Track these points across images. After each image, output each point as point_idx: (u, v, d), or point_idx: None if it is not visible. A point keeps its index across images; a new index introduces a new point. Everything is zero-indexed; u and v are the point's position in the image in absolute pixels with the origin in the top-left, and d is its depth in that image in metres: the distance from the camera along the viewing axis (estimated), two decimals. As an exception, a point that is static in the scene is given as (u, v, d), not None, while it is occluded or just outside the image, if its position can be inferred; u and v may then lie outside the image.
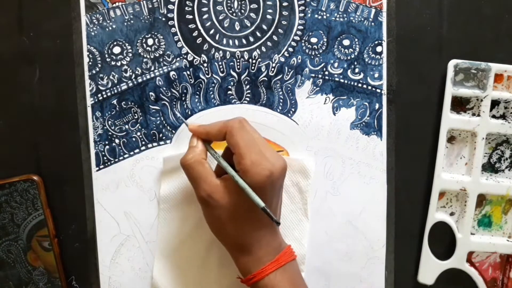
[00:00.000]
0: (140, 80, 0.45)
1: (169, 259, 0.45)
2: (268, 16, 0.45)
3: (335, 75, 0.45)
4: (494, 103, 0.45)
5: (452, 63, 0.44)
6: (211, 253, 0.45)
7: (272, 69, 0.45)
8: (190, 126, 0.40)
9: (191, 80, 0.45)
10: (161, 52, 0.45)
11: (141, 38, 0.45)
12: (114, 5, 0.44)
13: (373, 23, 0.45)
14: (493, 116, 0.46)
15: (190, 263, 0.45)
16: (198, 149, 0.39)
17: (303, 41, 0.45)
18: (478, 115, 0.45)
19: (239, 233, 0.38)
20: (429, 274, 0.46)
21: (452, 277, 0.46)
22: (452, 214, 0.46)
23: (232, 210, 0.37)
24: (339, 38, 0.45)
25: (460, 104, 0.46)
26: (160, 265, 0.45)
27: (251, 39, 0.45)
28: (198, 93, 0.45)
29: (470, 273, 0.46)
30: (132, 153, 0.45)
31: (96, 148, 0.45)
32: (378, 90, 0.46)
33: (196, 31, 0.45)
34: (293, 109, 0.45)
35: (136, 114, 0.45)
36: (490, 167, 0.47)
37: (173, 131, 0.45)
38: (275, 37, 0.45)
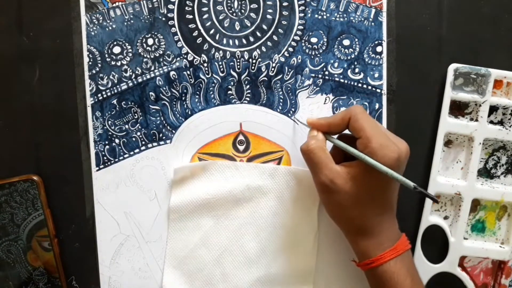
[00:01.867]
0: (140, 80, 0.45)
1: (180, 269, 0.45)
2: (268, 16, 0.45)
3: (335, 75, 0.45)
4: (492, 109, 0.45)
5: (452, 67, 0.44)
6: (221, 262, 0.45)
7: (272, 69, 0.45)
8: (309, 120, 0.41)
9: (191, 80, 0.45)
10: (161, 52, 0.45)
11: (141, 38, 0.45)
12: (114, 5, 0.44)
13: (373, 23, 0.45)
14: (491, 122, 0.46)
15: (200, 273, 0.45)
16: (319, 137, 0.40)
17: (303, 41, 0.45)
18: (476, 120, 0.45)
19: (362, 217, 0.38)
20: (420, 277, 0.46)
21: (443, 281, 0.46)
22: (446, 217, 0.46)
23: (355, 194, 0.37)
24: (339, 38, 0.45)
25: (458, 108, 0.46)
26: (170, 275, 0.45)
27: (251, 39, 0.45)
28: (198, 93, 0.45)
29: (462, 278, 0.46)
30: (132, 153, 0.45)
31: (96, 148, 0.45)
32: (378, 90, 0.46)
33: (196, 31, 0.45)
34: (293, 109, 0.45)
35: (136, 114, 0.45)
36: (485, 173, 0.47)
37: (173, 131, 0.45)
38: (275, 37, 0.45)
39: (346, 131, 0.41)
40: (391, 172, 0.36)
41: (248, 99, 0.45)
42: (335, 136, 0.41)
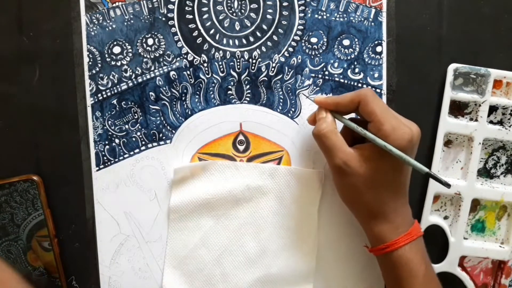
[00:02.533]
0: (140, 80, 0.45)
1: (180, 269, 0.45)
2: (268, 16, 0.45)
3: (335, 75, 0.45)
4: (492, 109, 0.45)
5: (451, 67, 0.44)
6: (221, 262, 0.45)
7: (272, 69, 0.45)
8: (317, 98, 0.40)
9: (191, 80, 0.45)
10: (161, 52, 0.45)
11: (141, 38, 0.45)
12: (114, 5, 0.44)
13: (373, 23, 0.45)
14: (491, 122, 0.46)
15: (200, 273, 0.45)
16: (329, 119, 0.39)
17: (303, 41, 0.45)
18: (476, 120, 0.45)
19: (377, 201, 0.38)
20: None
21: (443, 281, 0.46)
22: (446, 217, 0.47)
23: (370, 177, 0.37)
24: (339, 38, 0.45)
25: (458, 108, 0.46)
26: (170, 275, 0.45)
27: (251, 39, 0.45)
28: (198, 93, 0.45)
29: (462, 278, 0.46)
30: (132, 153, 0.45)
31: (96, 148, 0.45)
32: (378, 90, 0.46)
33: (196, 31, 0.45)
34: (293, 109, 0.45)
35: (136, 114, 0.45)
36: (485, 173, 0.47)
37: (173, 131, 0.45)
38: (275, 37, 0.45)
39: (352, 115, 0.41)
40: (404, 156, 0.36)
41: (248, 99, 0.45)
42: (347, 117, 0.41)
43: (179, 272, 0.45)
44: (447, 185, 0.36)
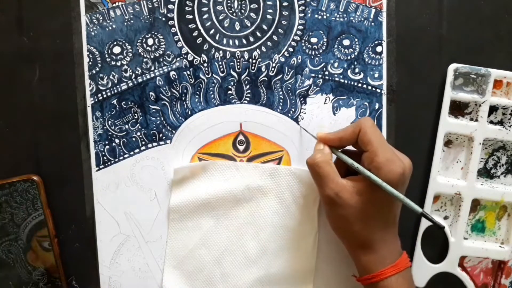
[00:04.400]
0: (140, 80, 0.45)
1: (179, 269, 0.45)
2: (268, 16, 0.45)
3: (335, 75, 0.45)
4: (492, 109, 0.45)
5: (452, 67, 0.44)
6: (221, 263, 0.45)
7: (272, 69, 0.45)
8: (320, 135, 0.41)
9: (191, 80, 0.45)
10: (161, 52, 0.45)
11: (141, 38, 0.45)
12: (114, 5, 0.44)
13: (373, 23, 0.45)
14: (491, 122, 0.46)
15: (200, 273, 0.45)
16: (325, 151, 0.40)
17: (303, 41, 0.45)
18: (476, 120, 0.45)
19: (366, 232, 0.38)
20: (420, 277, 0.46)
21: (443, 281, 0.46)
22: (446, 218, 0.46)
23: (360, 209, 0.37)
24: (339, 38, 0.45)
25: (458, 109, 0.46)
26: (170, 275, 0.45)
27: (251, 39, 0.45)
28: (198, 93, 0.45)
29: (462, 278, 0.46)
30: (132, 153, 0.45)
31: (96, 148, 0.45)
32: (378, 90, 0.46)
33: (196, 31, 0.45)
34: (293, 109, 0.45)
35: (136, 114, 0.45)
36: (485, 173, 0.47)
37: (173, 131, 0.45)
38: (275, 37, 0.45)
39: (349, 147, 0.41)
40: (396, 194, 0.36)
41: (248, 99, 0.45)
42: (340, 150, 0.41)
43: (179, 272, 0.45)
44: (441, 228, 0.37)
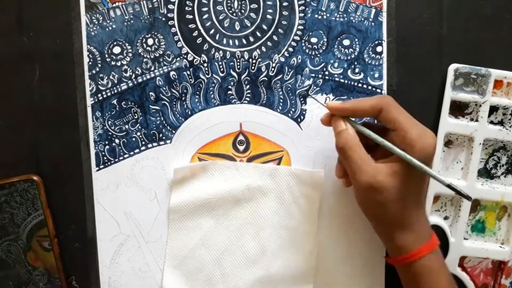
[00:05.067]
0: (140, 80, 0.45)
1: (179, 269, 0.45)
2: (268, 16, 0.45)
3: (335, 75, 0.45)
4: (493, 109, 0.45)
5: (452, 67, 0.44)
6: (221, 262, 0.45)
7: (272, 69, 0.45)
8: (331, 105, 0.38)
9: (191, 80, 0.45)
10: (161, 52, 0.45)
11: (141, 38, 0.45)
12: (114, 5, 0.44)
13: (373, 23, 0.45)
14: (491, 122, 0.46)
15: (200, 273, 0.45)
16: (351, 131, 0.38)
17: (303, 41, 0.45)
18: (476, 121, 0.45)
19: (404, 212, 0.37)
20: None
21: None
22: (446, 218, 0.46)
23: (397, 191, 0.36)
24: (339, 38, 0.45)
25: (458, 109, 0.46)
26: (170, 275, 0.45)
27: (251, 39, 0.45)
28: (198, 93, 0.45)
29: (462, 278, 0.46)
30: (132, 153, 0.45)
31: (96, 148, 0.45)
32: (378, 90, 0.46)
33: (196, 31, 0.45)
34: (293, 109, 0.45)
35: (136, 114, 0.45)
36: (486, 173, 0.47)
37: (173, 131, 0.45)
38: (275, 37, 0.45)
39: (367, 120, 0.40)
40: (427, 169, 0.35)
41: (248, 99, 0.45)
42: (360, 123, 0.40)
43: (179, 272, 0.45)
44: (469, 198, 0.36)
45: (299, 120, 0.45)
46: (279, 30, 0.45)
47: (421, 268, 0.37)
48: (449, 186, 0.36)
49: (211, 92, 0.45)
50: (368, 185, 0.36)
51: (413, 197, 0.38)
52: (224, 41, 0.45)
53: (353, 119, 0.39)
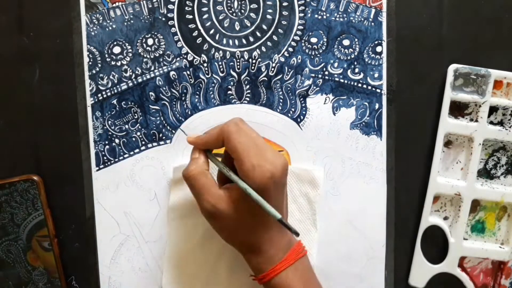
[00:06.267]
0: (140, 80, 0.45)
1: (179, 268, 0.45)
2: (268, 16, 0.45)
3: (335, 75, 0.45)
4: (492, 110, 0.45)
5: (452, 67, 0.44)
6: (221, 261, 0.45)
7: (272, 69, 0.45)
8: (189, 139, 0.39)
9: (191, 80, 0.45)
10: (161, 52, 0.45)
11: (141, 38, 0.45)
12: (114, 5, 0.44)
13: (373, 23, 0.45)
14: (491, 123, 0.46)
15: (200, 272, 0.45)
16: (200, 160, 0.38)
17: (303, 41, 0.45)
18: (476, 121, 0.45)
19: (249, 237, 0.38)
20: (420, 277, 0.46)
21: (443, 282, 0.46)
22: (446, 218, 0.46)
23: (238, 217, 0.37)
24: (339, 38, 0.45)
25: (458, 109, 0.46)
26: (169, 274, 0.45)
27: (251, 39, 0.45)
28: (198, 93, 0.45)
29: (462, 278, 0.46)
30: (132, 153, 0.45)
31: (96, 148, 0.45)
32: (378, 90, 0.46)
33: (196, 31, 0.45)
34: (293, 109, 0.45)
35: (136, 114, 0.45)
36: (485, 173, 0.47)
37: (173, 131, 0.45)
38: (275, 37, 0.45)
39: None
40: (260, 201, 0.35)
41: (248, 99, 0.45)
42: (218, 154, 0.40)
43: (178, 271, 0.45)
44: (296, 234, 0.36)
45: (299, 120, 0.45)
46: (279, 30, 0.45)
47: (277, 285, 0.37)
48: (280, 220, 0.36)
49: (211, 92, 0.45)
50: (209, 211, 0.37)
51: (258, 223, 0.38)
52: (224, 41, 0.45)
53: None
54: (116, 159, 0.45)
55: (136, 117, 0.45)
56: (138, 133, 0.45)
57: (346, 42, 0.45)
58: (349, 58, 0.45)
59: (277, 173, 0.36)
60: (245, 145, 0.36)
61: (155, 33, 0.44)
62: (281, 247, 0.38)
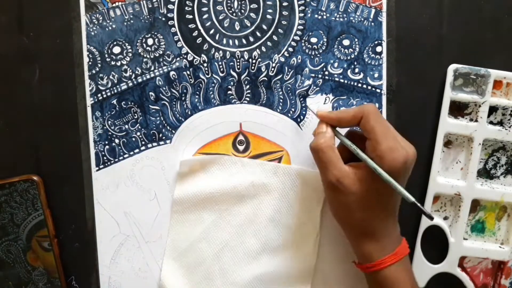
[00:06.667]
0: (140, 80, 0.45)
1: (179, 261, 0.45)
2: (268, 16, 0.45)
3: (335, 75, 0.45)
4: (492, 109, 0.45)
5: (451, 67, 0.44)
6: (222, 256, 0.45)
7: (272, 69, 0.45)
8: (320, 112, 0.40)
9: (191, 80, 0.45)
10: (161, 52, 0.45)
11: (141, 38, 0.45)
12: (114, 5, 0.44)
13: (373, 23, 0.45)
14: (491, 122, 0.46)
15: (200, 266, 0.45)
16: (328, 134, 0.39)
17: (303, 41, 0.45)
18: (476, 121, 0.45)
19: (368, 220, 0.38)
20: (420, 277, 0.45)
21: (443, 282, 0.46)
22: (445, 218, 0.46)
23: (362, 197, 0.37)
24: (339, 38, 0.45)
25: (458, 109, 0.46)
26: (169, 266, 0.45)
27: (251, 39, 0.45)
28: (198, 93, 0.45)
29: (462, 278, 0.46)
30: (132, 153, 0.45)
31: (96, 148, 0.45)
32: (378, 90, 0.46)
33: (196, 31, 0.45)
34: (293, 109, 0.45)
35: (136, 114, 0.45)
36: (485, 173, 0.47)
37: (173, 131, 0.45)
38: (275, 37, 0.45)
39: (356, 128, 0.40)
40: (392, 182, 0.36)
41: (248, 99, 0.45)
42: (344, 133, 0.41)
43: (178, 264, 0.45)
44: (431, 218, 0.36)
45: (299, 120, 0.45)
46: (279, 30, 0.45)
47: (384, 278, 0.38)
48: (413, 203, 0.36)
49: (211, 92, 0.45)
50: (332, 184, 0.37)
51: (379, 207, 0.38)
52: (224, 41, 0.45)
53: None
54: (116, 159, 0.45)
55: (136, 117, 0.45)
56: (138, 133, 0.45)
57: (346, 42, 0.45)
58: (349, 58, 0.45)
59: (410, 159, 0.37)
60: (383, 127, 0.37)
61: (155, 33, 0.44)
62: (393, 239, 0.39)
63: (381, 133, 0.37)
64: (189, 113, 0.45)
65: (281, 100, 0.45)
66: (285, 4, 0.45)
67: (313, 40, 0.45)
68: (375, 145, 0.37)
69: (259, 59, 0.45)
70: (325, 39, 0.45)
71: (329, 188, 0.38)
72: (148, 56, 0.45)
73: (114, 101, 0.45)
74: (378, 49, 0.45)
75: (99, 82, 0.45)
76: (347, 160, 0.39)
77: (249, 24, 0.45)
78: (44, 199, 0.44)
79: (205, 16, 0.45)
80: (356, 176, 0.37)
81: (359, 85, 0.45)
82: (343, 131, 0.41)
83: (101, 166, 0.45)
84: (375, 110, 0.38)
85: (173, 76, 0.45)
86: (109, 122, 0.45)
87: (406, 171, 0.37)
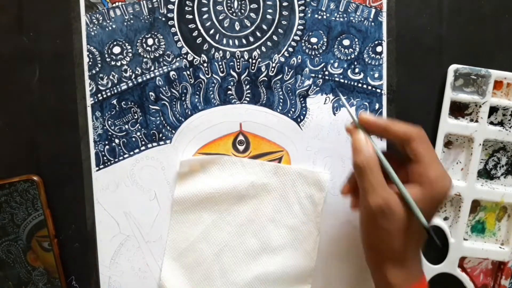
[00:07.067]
0: (140, 80, 0.45)
1: (179, 261, 0.45)
2: (268, 16, 0.45)
3: (335, 75, 0.45)
4: (493, 110, 0.45)
5: (452, 68, 0.44)
6: (221, 256, 0.45)
7: (272, 69, 0.45)
8: (364, 117, 0.36)
9: (191, 80, 0.45)
10: (161, 52, 0.45)
11: (141, 38, 0.45)
12: (114, 5, 0.44)
13: (373, 23, 0.45)
14: (491, 123, 0.46)
15: (200, 266, 0.45)
16: (372, 149, 0.35)
17: (303, 41, 0.45)
18: (476, 121, 0.45)
19: (404, 246, 0.35)
20: None
21: (443, 282, 0.46)
22: (446, 218, 0.46)
23: (404, 222, 0.34)
24: (339, 38, 0.45)
25: (458, 109, 0.46)
26: (169, 266, 0.45)
27: (251, 39, 0.45)
28: (198, 93, 0.45)
29: (462, 279, 0.46)
30: (132, 153, 0.45)
31: (96, 148, 0.45)
32: (378, 90, 0.46)
33: (196, 31, 0.45)
34: (293, 109, 0.45)
35: (136, 114, 0.45)
36: (485, 174, 0.47)
37: (173, 131, 0.45)
38: (275, 37, 0.45)
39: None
40: (424, 223, 0.34)
41: (248, 99, 0.45)
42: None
43: (178, 264, 0.45)
44: (440, 246, 0.36)
45: (299, 120, 0.45)
46: (279, 30, 0.45)
47: None
48: (427, 229, 0.35)
49: (211, 92, 0.45)
50: (379, 208, 0.34)
51: (416, 233, 0.35)
52: (224, 41, 0.45)
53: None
54: (116, 159, 0.45)
55: (136, 117, 0.45)
56: (138, 133, 0.45)
57: (346, 42, 0.45)
58: (349, 58, 0.45)
59: (450, 188, 0.35)
60: (433, 152, 0.36)
61: (155, 33, 0.44)
62: (420, 268, 0.37)
63: (432, 159, 0.35)
64: (189, 113, 0.45)
65: (281, 100, 0.45)
66: (285, 4, 0.45)
67: (313, 40, 0.45)
68: (423, 170, 0.34)
69: (259, 59, 0.45)
70: (325, 39, 0.45)
71: (375, 213, 0.34)
72: (148, 56, 0.45)
73: (114, 101, 0.45)
74: (378, 49, 0.45)
75: (99, 82, 0.45)
76: None
77: (249, 24, 0.45)
78: (44, 199, 0.44)
79: (205, 16, 0.45)
80: (401, 199, 0.34)
81: (359, 85, 0.45)
82: None
83: (101, 166, 0.45)
84: (425, 135, 0.36)
85: (173, 76, 0.45)
86: (109, 122, 0.45)
87: (445, 199, 0.36)
